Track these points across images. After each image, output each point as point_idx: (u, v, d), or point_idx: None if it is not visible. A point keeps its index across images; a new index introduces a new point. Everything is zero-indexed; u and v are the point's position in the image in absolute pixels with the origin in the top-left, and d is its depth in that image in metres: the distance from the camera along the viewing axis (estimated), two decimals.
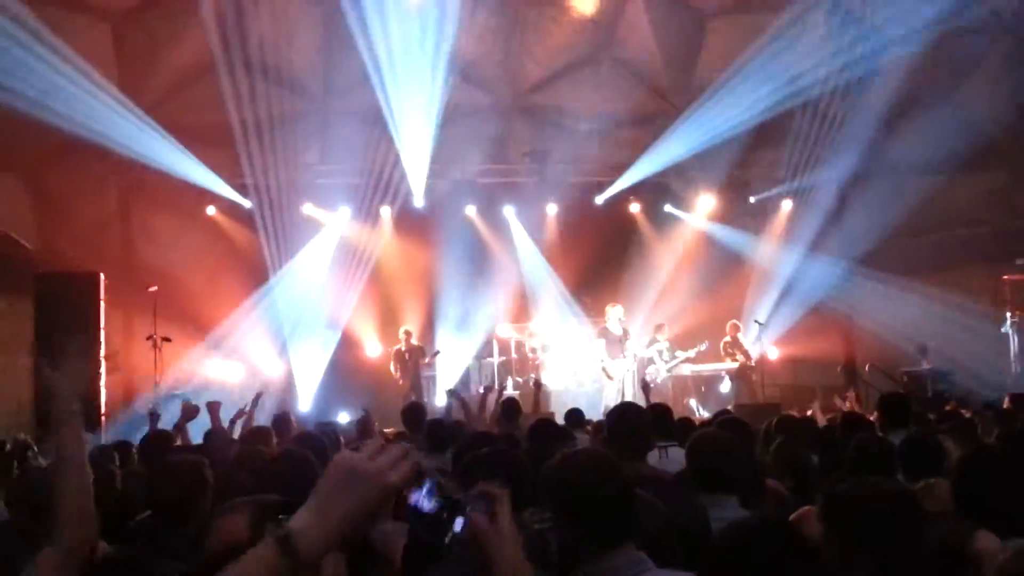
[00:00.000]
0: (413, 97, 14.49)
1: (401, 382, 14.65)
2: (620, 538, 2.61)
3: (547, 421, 6.54)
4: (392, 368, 14.85)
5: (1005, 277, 14.54)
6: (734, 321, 15.10)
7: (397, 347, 14.92)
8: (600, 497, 2.65)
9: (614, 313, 14.11)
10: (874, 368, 14.99)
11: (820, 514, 2.61)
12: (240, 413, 8.36)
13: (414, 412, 7.99)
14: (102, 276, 13.43)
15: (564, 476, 2.73)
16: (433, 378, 15.43)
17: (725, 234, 16.83)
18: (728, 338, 14.89)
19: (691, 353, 14.58)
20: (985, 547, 2.74)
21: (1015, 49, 14.24)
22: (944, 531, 2.95)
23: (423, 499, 1.71)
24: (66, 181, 14.53)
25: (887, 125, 15.03)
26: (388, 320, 16.13)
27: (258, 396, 8.87)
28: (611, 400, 13.08)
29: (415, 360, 14.81)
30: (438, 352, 15.06)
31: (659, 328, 14.99)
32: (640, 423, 4.48)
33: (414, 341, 15.04)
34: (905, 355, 14.76)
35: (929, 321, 14.54)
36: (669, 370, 14.64)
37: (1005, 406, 9.23)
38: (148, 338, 13.30)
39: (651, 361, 14.73)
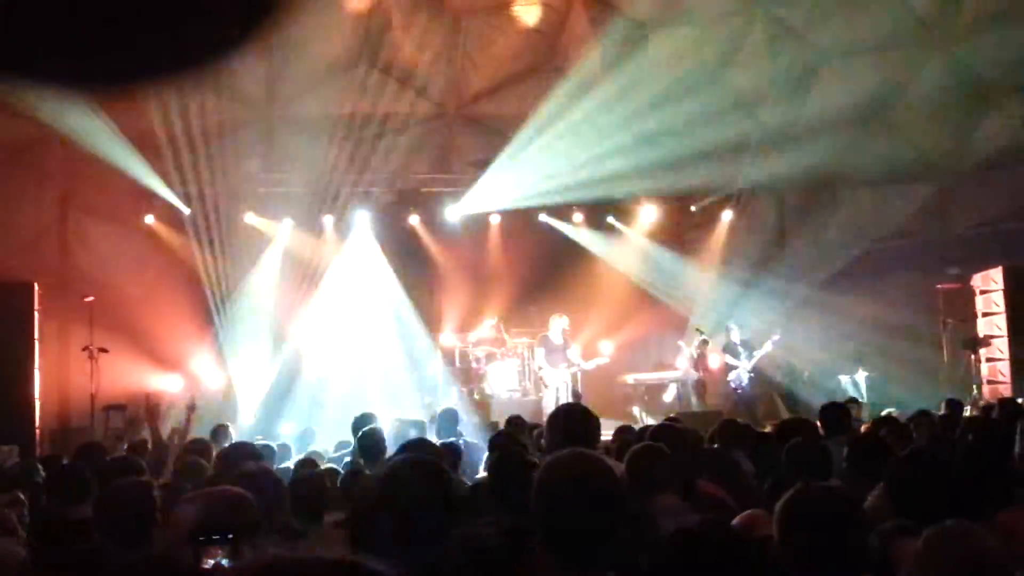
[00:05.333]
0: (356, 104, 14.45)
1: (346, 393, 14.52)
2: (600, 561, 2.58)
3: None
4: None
5: (939, 286, 14.85)
6: (704, 338, 15.09)
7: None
8: (585, 516, 2.57)
9: (557, 323, 14.14)
10: (813, 376, 15.24)
11: (776, 518, 2.67)
12: (175, 431, 8.12)
13: (359, 422, 7.96)
14: (36, 286, 13.14)
15: (552, 486, 2.66)
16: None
17: (667, 246, 17.01)
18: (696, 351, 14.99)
19: (768, 347, 14.49)
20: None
21: (945, 65, 14.59)
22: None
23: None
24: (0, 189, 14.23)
25: (820, 139, 15.32)
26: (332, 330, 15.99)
27: (191, 407, 8.52)
28: (550, 408, 13.11)
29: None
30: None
31: (729, 330, 14.84)
32: (584, 423, 4.49)
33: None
34: (842, 363, 15.04)
35: (864, 330, 14.81)
36: (749, 371, 14.52)
37: (942, 412, 9.45)
38: (84, 349, 13.05)
39: (731, 366, 14.59)
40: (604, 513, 2.56)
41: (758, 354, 14.27)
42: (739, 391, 14.22)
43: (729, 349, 14.46)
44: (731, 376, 14.33)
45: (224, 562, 2.02)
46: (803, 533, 2.58)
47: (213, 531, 2.03)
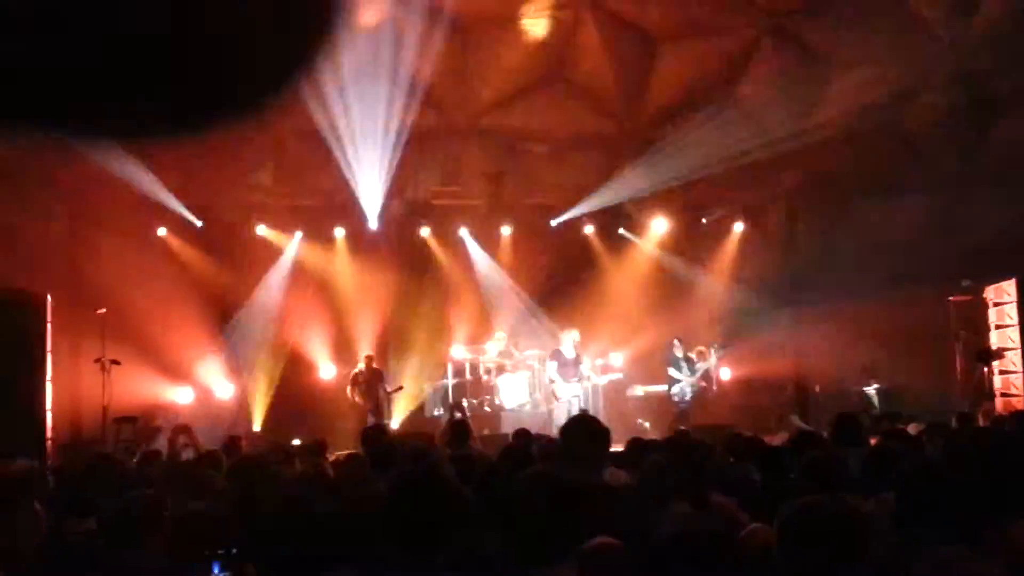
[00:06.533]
0: (367, 118, 14.47)
1: (361, 404, 14.50)
2: (557, 553, 2.61)
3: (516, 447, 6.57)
4: (348, 392, 14.70)
5: (951, 298, 14.80)
6: (700, 348, 15.12)
7: (356, 370, 14.81)
8: (536, 510, 2.67)
9: (568, 337, 14.20)
10: (824, 389, 15.18)
11: (776, 529, 2.68)
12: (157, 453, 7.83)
13: (372, 433, 8.02)
14: (49, 298, 13.19)
15: (513, 490, 2.75)
16: (391, 399, 15.39)
17: (678, 257, 17.02)
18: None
19: (712, 362, 14.70)
20: None
21: (955, 70, 14.56)
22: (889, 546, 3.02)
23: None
24: (11, 203, 14.28)
25: (835, 148, 15.31)
26: (342, 342, 16.02)
27: (180, 430, 8.24)
28: (561, 421, 13.12)
29: (375, 383, 14.69)
30: (400, 388, 15.07)
31: (671, 344, 15.01)
32: (595, 434, 4.50)
33: (375, 365, 14.95)
34: (854, 375, 14.97)
35: (877, 341, 14.75)
36: (693, 385, 14.65)
37: (953, 425, 9.39)
38: (96, 360, 13.09)
39: (674, 380, 14.77)
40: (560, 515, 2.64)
41: (701, 368, 14.61)
42: (680, 404, 14.55)
43: (672, 363, 14.75)
44: (674, 389, 14.69)
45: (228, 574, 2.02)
46: (801, 544, 2.58)
47: (215, 546, 2.04)
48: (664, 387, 15.00)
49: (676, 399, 14.59)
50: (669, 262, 17.05)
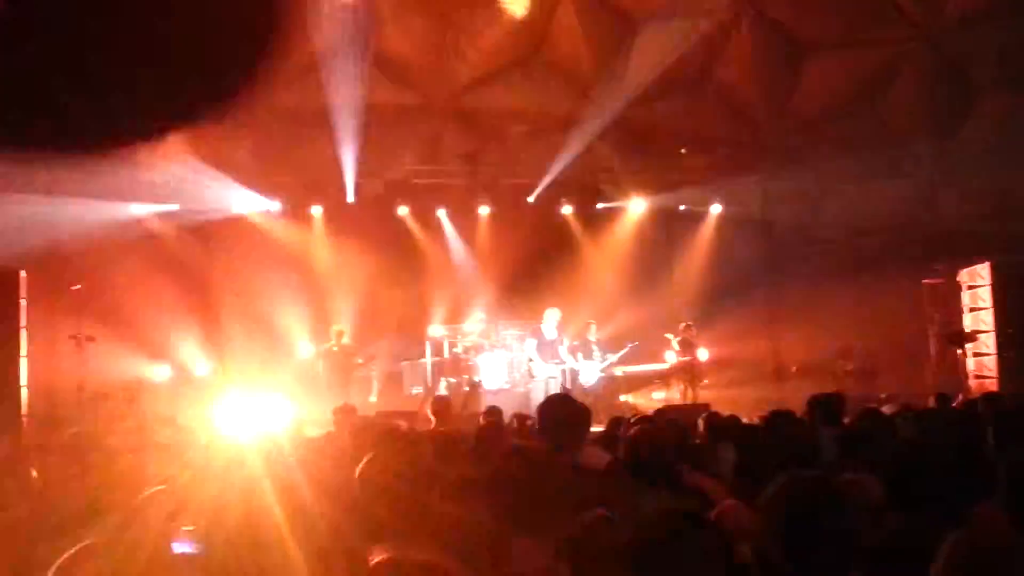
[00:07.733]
0: (344, 96, 14.38)
1: (329, 379, 14.45)
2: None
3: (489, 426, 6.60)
4: (320, 368, 14.65)
5: (925, 281, 14.92)
6: (687, 323, 15.12)
7: (327, 346, 14.75)
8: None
9: (551, 316, 14.24)
10: (800, 370, 15.28)
11: (765, 505, 2.67)
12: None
13: (345, 413, 8.01)
14: (23, 273, 13.05)
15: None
16: (368, 379, 15.38)
17: (656, 238, 17.05)
18: (680, 338, 14.96)
19: (620, 354, 14.72)
20: None
21: (931, 57, 14.65)
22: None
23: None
24: None
25: (810, 132, 15.37)
26: (319, 320, 15.95)
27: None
28: (538, 400, 13.14)
29: (346, 359, 14.64)
30: (373, 357, 15.03)
31: (587, 327, 15.02)
32: (572, 414, 4.52)
33: (345, 340, 14.88)
34: (829, 357, 15.08)
35: (853, 324, 14.87)
36: (602, 370, 14.71)
37: (930, 404, 9.49)
38: (71, 337, 12.99)
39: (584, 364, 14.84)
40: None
41: (611, 358, 14.67)
42: (586, 387, 14.34)
43: (584, 347, 14.72)
44: (581, 372, 14.58)
45: (191, 551, 2.03)
46: (793, 520, 2.57)
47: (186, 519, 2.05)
48: (649, 366, 15.10)
49: (581, 380, 14.57)
50: (647, 242, 17.06)
